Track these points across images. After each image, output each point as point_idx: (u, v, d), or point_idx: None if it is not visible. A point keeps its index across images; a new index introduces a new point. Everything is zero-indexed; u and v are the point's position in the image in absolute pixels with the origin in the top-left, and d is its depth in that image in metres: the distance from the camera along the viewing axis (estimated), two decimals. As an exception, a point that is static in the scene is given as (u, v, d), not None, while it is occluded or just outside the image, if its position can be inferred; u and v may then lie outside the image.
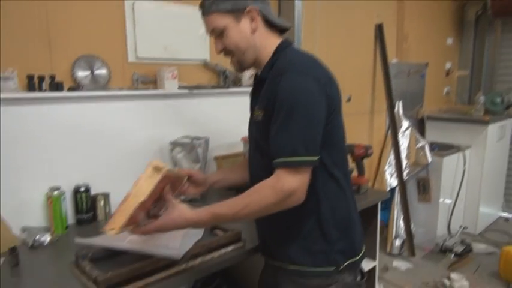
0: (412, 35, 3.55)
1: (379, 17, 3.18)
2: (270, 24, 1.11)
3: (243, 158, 1.92)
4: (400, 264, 2.88)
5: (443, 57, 4.10)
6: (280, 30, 1.15)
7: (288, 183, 0.95)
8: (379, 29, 3.21)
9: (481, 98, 3.70)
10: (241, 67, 1.13)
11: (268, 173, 1.00)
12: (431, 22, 3.80)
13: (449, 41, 4.13)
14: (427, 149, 3.07)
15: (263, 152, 1.08)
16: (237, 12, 1.05)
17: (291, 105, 0.97)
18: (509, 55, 4.00)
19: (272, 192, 0.96)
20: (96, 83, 1.65)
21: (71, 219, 1.56)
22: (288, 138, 0.97)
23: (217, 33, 1.08)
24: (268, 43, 1.10)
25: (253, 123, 1.14)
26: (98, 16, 1.65)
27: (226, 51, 1.10)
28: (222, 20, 1.05)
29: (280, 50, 1.10)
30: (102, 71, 1.66)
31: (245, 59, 1.10)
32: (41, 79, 1.47)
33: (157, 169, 1.01)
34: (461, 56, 4.32)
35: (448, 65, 4.16)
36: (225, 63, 2.13)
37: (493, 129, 3.45)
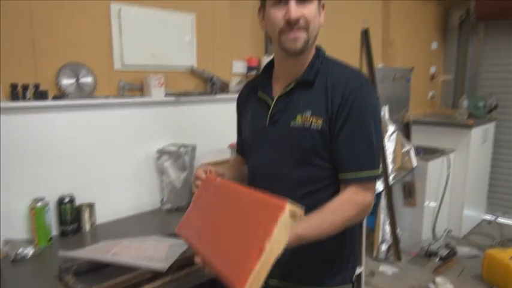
0: (397, 40, 3.60)
1: (365, 22, 3.21)
2: None
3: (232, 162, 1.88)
4: (386, 269, 2.91)
5: (428, 61, 4.16)
6: None
7: (368, 197, 0.98)
8: (365, 34, 3.24)
9: (465, 102, 3.77)
10: (305, 46, 0.98)
11: (309, 183, 1.01)
12: (416, 27, 3.85)
13: (434, 45, 4.20)
14: (412, 153, 3.11)
15: (313, 162, 1.01)
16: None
17: (371, 120, 0.98)
18: (492, 59, 4.08)
19: (354, 207, 0.96)
20: (82, 91, 1.63)
21: (54, 230, 1.54)
22: (370, 152, 0.98)
23: None
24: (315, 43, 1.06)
25: (299, 130, 1.00)
26: (84, 23, 1.62)
27: (300, 23, 0.95)
28: None
29: (322, 56, 1.06)
30: (87, 79, 1.64)
31: (312, 41, 1.00)
32: (25, 88, 1.44)
33: (293, 215, 0.79)
34: (445, 61, 4.40)
35: (432, 70, 4.22)
36: (212, 69, 2.13)
37: (476, 132, 3.52)
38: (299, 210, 0.79)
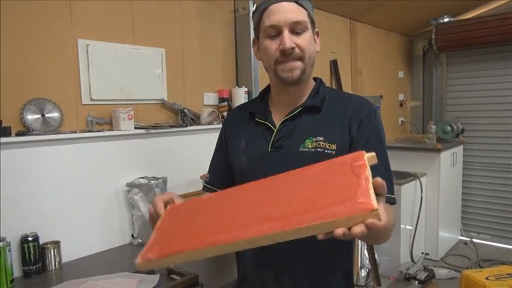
0: (365, 70, 3.75)
1: (334, 53, 3.34)
2: None
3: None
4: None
5: (396, 89, 4.33)
6: None
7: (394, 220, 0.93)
8: (334, 65, 3.37)
9: (433, 127, 3.91)
10: (301, 76, 0.98)
11: None
12: (382, 57, 4.03)
13: (401, 74, 4.38)
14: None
15: None
16: (312, 27, 1.01)
17: (384, 145, 1.00)
18: (455, 86, 4.28)
19: (394, 217, 0.91)
20: (48, 126, 1.61)
21: (17, 271, 1.47)
22: (390, 175, 0.97)
23: (297, 28, 0.95)
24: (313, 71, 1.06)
25: (310, 154, 0.96)
26: (51, 58, 1.63)
27: (295, 52, 0.96)
28: (307, 20, 0.97)
29: (323, 83, 1.08)
30: (54, 114, 1.63)
31: (308, 70, 1.00)
32: (-14, 125, 1.42)
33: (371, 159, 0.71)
34: (412, 88, 4.59)
35: (401, 97, 4.39)
36: (183, 101, 2.15)
37: (445, 156, 3.63)
38: (373, 156, 0.70)
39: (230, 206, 0.75)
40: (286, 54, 0.95)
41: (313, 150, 0.96)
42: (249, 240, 0.63)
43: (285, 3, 0.95)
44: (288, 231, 0.61)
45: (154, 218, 0.85)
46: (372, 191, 0.62)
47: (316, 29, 1.02)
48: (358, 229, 0.58)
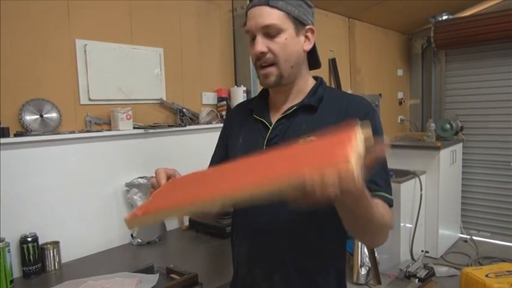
0: (364, 68, 3.75)
1: (332, 51, 3.34)
2: (310, 54, 1.05)
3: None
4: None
5: (395, 87, 4.33)
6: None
7: (392, 219, 0.91)
8: (333, 63, 3.37)
9: (432, 125, 3.91)
10: (279, 80, 0.97)
11: (312, 213, 0.86)
12: (381, 55, 4.03)
13: (400, 72, 4.38)
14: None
15: None
16: (300, 24, 0.97)
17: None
18: (454, 84, 4.28)
19: (389, 215, 0.88)
20: (46, 126, 1.61)
21: (17, 272, 1.47)
22: (387, 175, 0.96)
23: (269, 31, 0.94)
24: (306, 70, 1.05)
25: None
26: (49, 59, 1.63)
27: (267, 57, 0.95)
28: (283, 22, 0.94)
29: (325, 86, 1.06)
30: (52, 114, 1.62)
31: (288, 73, 0.98)
32: (-15, 125, 1.42)
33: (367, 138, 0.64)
34: (411, 86, 4.59)
35: (400, 95, 4.39)
36: (182, 101, 2.15)
37: (445, 154, 3.63)
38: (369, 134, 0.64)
39: (217, 175, 0.80)
40: (259, 59, 0.95)
41: None
42: (223, 195, 0.65)
43: (256, 8, 0.95)
44: (258, 186, 0.60)
45: (155, 187, 0.89)
46: (354, 147, 0.56)
47: (309, 26, 0.99)
48: (330, 181, 0.54)
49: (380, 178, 0.94)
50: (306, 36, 0.99)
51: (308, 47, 1.00)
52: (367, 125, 0.67)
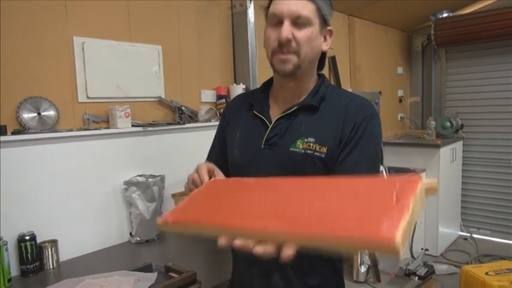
0: (364, 66, 3.74)
1: (332, 49, 3.33)
2: (321, 56, 1.04)
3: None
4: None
5: (396, 85, 4.31)
6: None
7: None
8: (333, 61, 3.36)
9: (432, 123, 3.90)
10: (295, 70, 0.95)
11: None
12: (381, 53, 4.02)
13: (400, 70, 4.37)
14: (384, 174, 3.16)
15: None
16: (324, 23, 0.97)
17: (375, 147, 0.99)
18: (455, 82, 4.27)
19: None
20: (44, 124, 1.60)
21: (14, 270, 1.46)
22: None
23: (299, 21, 0.92)
24: (315, 70, 1.04)
25: (300, 156, 0.95)
26: (46, 57, 1.62)
27: (291, 45, 0.92)
28: (314, 16, 0.93)
29: (328, 83, 1.04)
30: (50, 112, 1.62)
31: (305, 67, 0.96)
32: (-18, 123, 1.41)
33: (431, 189, 0.65)
34: (411, 84, 4.57)
35: (400, 93, 4.38)
36: (181, 99, 2.14)
37: (445, 152, 3.62)
38: (435, 184, 0.63)
39: (257, 195, 0.75)
40: (282, 45, 0.92)
41: (303, 151, 0.95)
42: (252, 231, 0.62)
43: None
44: (289, 235, 0.58)
45: (196, 183, 0.88)
46: (404, 223, 0.52)
47: (329, 28, 0.99)
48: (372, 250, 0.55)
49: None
50: (325, 37, 0.99)
51: (326, 47, 1.00)
52: (433, 178, 0.65)
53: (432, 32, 3.93)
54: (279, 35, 0.92)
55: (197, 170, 0.91)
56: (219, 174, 0.92)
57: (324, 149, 0.94)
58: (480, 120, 4.07)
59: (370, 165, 0.96)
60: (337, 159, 0.95)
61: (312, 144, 0.95)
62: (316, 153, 0.94)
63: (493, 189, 4.03)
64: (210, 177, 0.89)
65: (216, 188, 0.84)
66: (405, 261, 3.19)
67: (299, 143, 0.96)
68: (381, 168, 3.13)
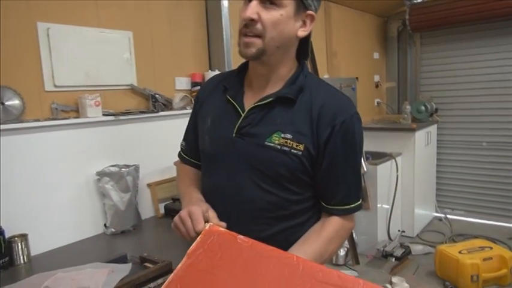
0: (340, 51, 3.74)
1: (308, 35, 3.31)
2: (302, 43, 0.97)
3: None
4: (346, 273, 2.93)
5: (372, 70, 4.35)
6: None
7: (353, 222, 1.02)
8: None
9: (408, 108, 3.96)
10: (259, 55, 0.89)
11: (276, 209, 0.95)
12: (357, 38, 4.03)
13: (376, 55, 4.40)
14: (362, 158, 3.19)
15: (285, 186, 0.94)
16: (301, 5, 0.89)
17: (359, 150, 0.97)
18: (429, 66, 4.33)
19: (346, 234, 1.01)
20: (8, 114, 1.53)
21: (-18, 267, 1.41)
22: (359, 184, 1.00)
23: (270, 1, 0.86)
24: (293, 58, 0.97)
25: (275, 152, 0.92)
26: (8, 44, 1.54)
27: (255, 26, 0.87)
28: None
29: (307, 73, 0.97)
30: (14, 102, 1.55)
31: (271, 52, 0.90)
32: None
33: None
34: (387, 69, 4.62)
35: (376, 78, 4.42)
36: (154, 86, 2.09)
37: (420, 135, 3.68)
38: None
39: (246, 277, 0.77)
40: (246, 26, 0.87)
41: (279, 147, 0.91)
42: None
43: None
44: None
45: (190, 232, 0.88)
46: None
47: (310, 12, 0.91)
48: None
49: (346, 191, 0.97)
50: (304, 22, 0.92)
51: (303, 33, 0.92)
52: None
53: (407, 17, 3.96)
54: (243, 13, 0.87)
55: (190, 214, 0.88)
56: (212, 215, 0.90)
57: (301, 147, 0.91)
58: (454, 104, 4.16)
59: (355, 174, 0.98)
60: (317, 163, 0.94)
61: (289, 141, 0.91)
62: (293, 151, 0.91)
63: (466, 171, 4.15)
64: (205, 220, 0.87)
65: (211, 248, 0.83)
66: (382, 243, 3.26)
67: (275, 138, 0.91)
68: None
